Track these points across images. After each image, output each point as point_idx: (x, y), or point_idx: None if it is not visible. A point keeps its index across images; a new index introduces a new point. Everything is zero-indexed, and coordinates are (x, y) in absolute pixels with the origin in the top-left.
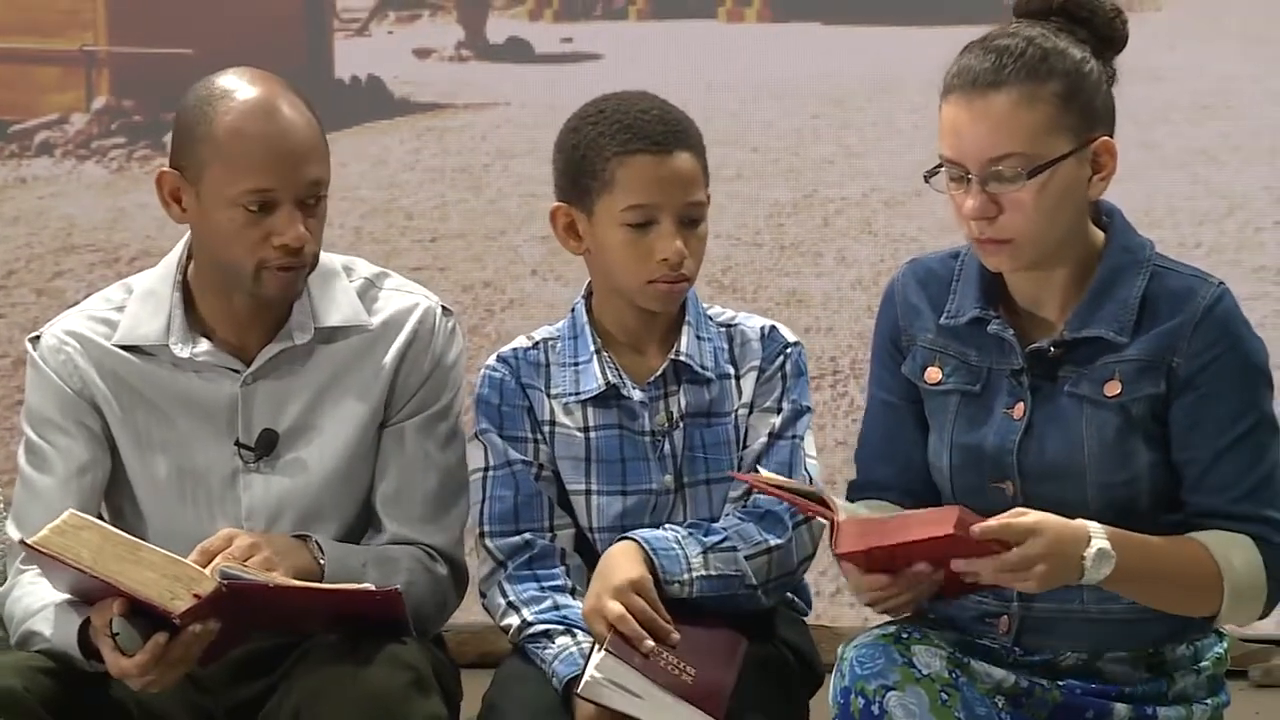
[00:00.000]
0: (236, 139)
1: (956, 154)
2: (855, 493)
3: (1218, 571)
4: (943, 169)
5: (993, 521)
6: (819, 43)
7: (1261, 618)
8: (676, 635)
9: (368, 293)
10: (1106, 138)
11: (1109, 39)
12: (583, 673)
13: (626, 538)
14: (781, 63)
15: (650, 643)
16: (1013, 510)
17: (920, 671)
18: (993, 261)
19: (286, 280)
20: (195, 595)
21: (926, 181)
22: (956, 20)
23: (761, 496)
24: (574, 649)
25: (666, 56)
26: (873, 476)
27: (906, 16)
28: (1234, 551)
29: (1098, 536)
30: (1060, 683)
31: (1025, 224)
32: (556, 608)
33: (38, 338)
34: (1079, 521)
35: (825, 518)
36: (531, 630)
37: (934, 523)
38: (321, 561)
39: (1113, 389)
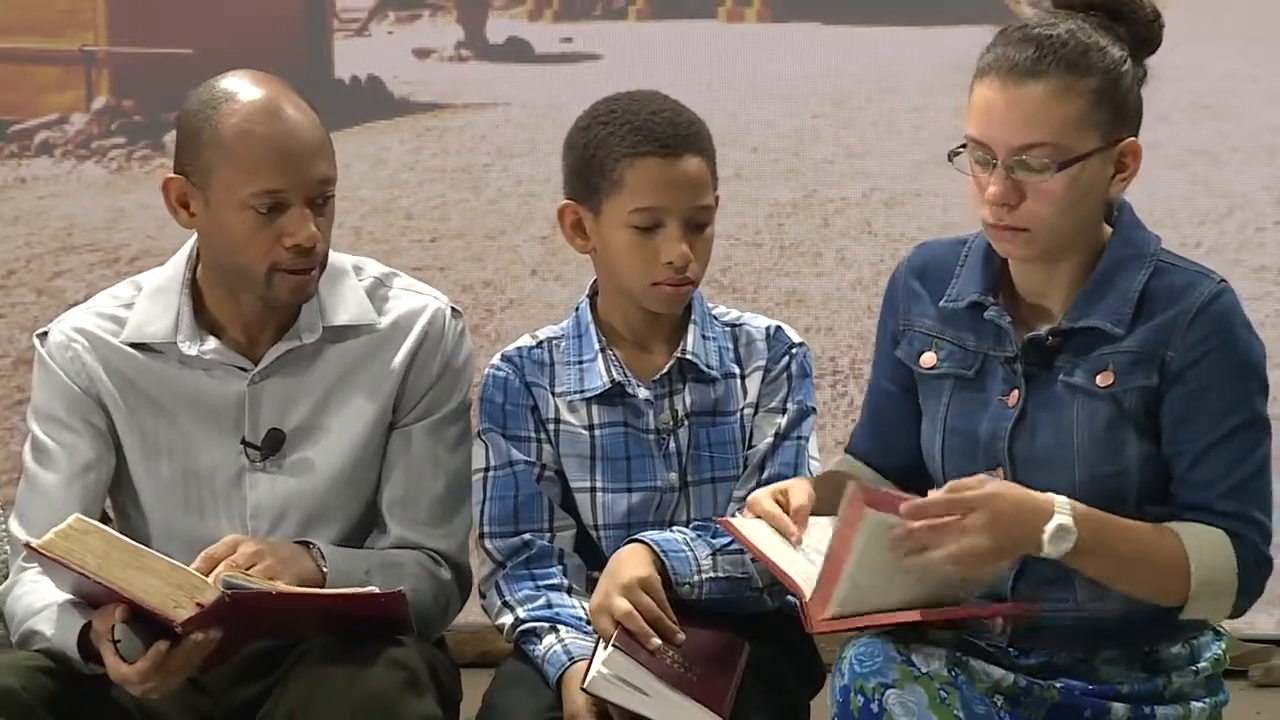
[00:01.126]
0: (244, 141)
1: (984, 137)
2: (844, 453)
3: (1186, 561)
4: (966, 148)
5: (938, 493)
6: (819, 43)
7: (1232, 616)
8: (682, 635)
9: (377, 292)
10: (1133, 139)
11: (1145, 40)
12: (589, 668)
13: (636, 540)
14: (781, 63)
15: (656, 640)
16: (972, 478)
17: (919, 669)
18: (1005, 248)
19: (299, 283)
20: (198, 604)
21: (950, 160)
22: (956, 20)
23: None
24: (557, 647)
25: (666, 56)
26: (858, 449)
27: (906, 16)
28: (1206, 544)
29: (1061, 512)
30: (1058, 682)
31: (1045, 214)
32: (549, 605)
33: (45, 334)
34: (1047, 495)
35: (794, 592)
36: (523, 628)
37: (849, 519)
38: (325, 569)
39: (1105, 379)
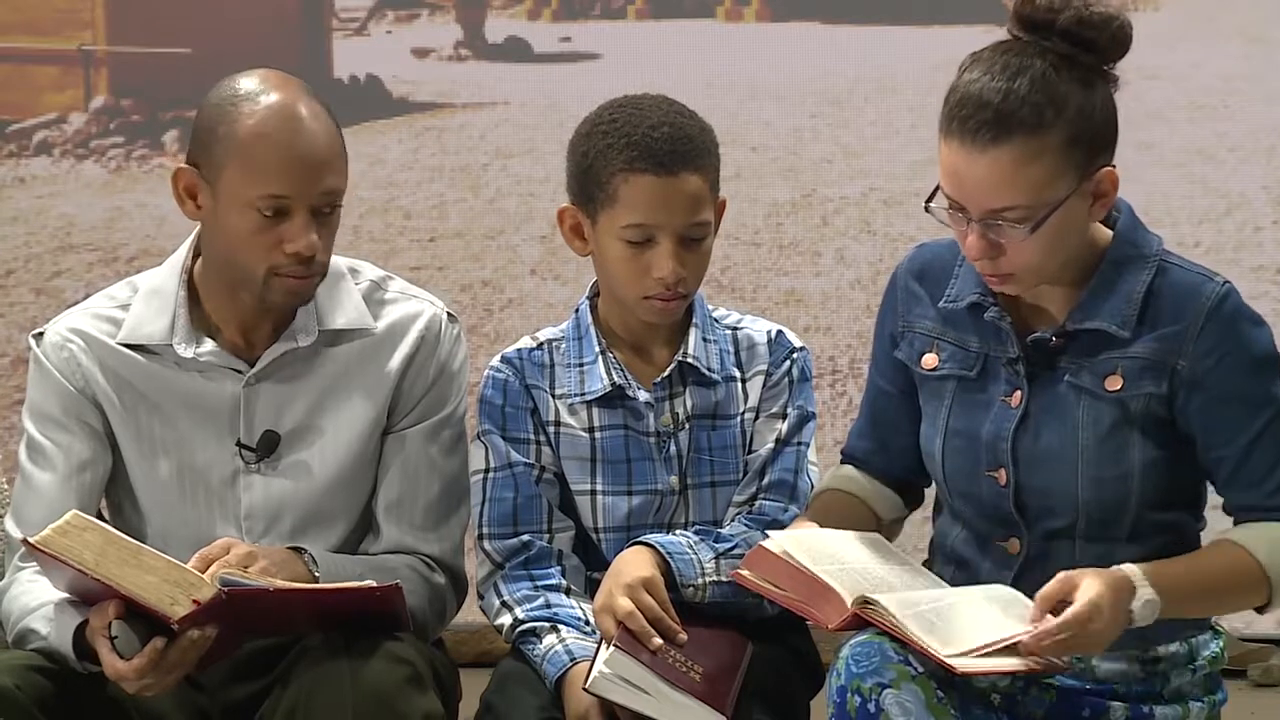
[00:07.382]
0: (258, 142)
1: (956, 196)
2: (842, 458)
3: (1260, 570)
4: (939, 193)
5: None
6: (817, 42)
7: None
8: (684, 635)
9: (373, 295)
10: (1109, 168)
11: (1113, 49)
12: (591, 668)
13: (640, 541)
14: (780, 62)
15: (658, 640)
16: (1057, 579)
17: (916, 669)
18: (997, 288)
19: (295, 287)
20: (195, 601)
21: (927, 209)
22: (955, 20)
23: (768, 503)
24: (559, 647)
25: (665, 56)
26: (855, 451)
27: (905, 16)
28: (1268, 541)
29: (1141, 585)
30: (1055, 682)
31: (1027, 262)
32: (548, 605)
33: (41, 334)
34: (1118, 571)
35: (810, 617)
36: (522, 628)
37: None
38: (316, 574)
39: (1114, 384)
